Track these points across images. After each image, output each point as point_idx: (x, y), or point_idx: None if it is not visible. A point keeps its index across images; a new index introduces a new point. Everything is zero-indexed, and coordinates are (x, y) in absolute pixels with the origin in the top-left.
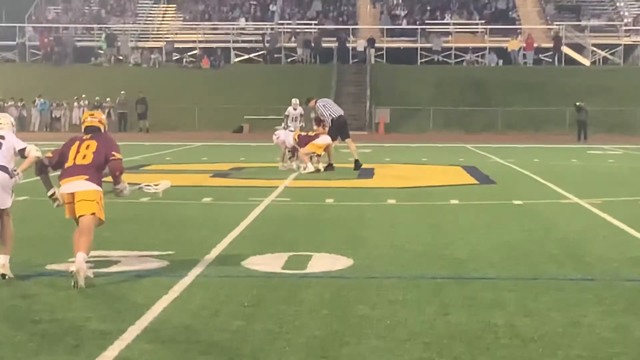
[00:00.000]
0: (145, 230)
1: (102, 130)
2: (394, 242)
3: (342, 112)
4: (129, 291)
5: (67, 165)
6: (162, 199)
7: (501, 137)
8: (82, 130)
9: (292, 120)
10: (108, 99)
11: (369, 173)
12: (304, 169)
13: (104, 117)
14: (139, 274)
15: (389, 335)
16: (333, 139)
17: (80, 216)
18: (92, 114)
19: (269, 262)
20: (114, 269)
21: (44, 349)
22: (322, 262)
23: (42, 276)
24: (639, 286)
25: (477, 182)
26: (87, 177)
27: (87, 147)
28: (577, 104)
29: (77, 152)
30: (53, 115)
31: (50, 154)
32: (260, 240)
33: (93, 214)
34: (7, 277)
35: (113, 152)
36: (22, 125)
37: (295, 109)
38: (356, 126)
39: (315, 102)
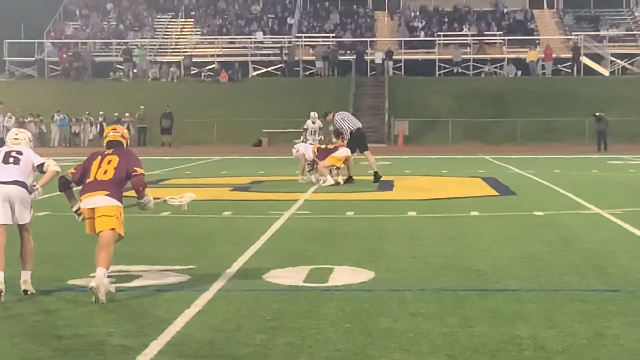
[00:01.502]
0: (166, 245)
1: (125, 144)
2: (415, 254)
3: (360, 125)
4: (151, 306)
5: (88, 180)
6: (183, 213)
7: (521, 149)
8: (104, 144)
9: (312, 134)
10: (127, 114)
11: (389, 185)
12: (324, 182)
13: (126, 131)
14: (160, 288)
15: (412, 348)
16: (352, 152)
17: (100, 232)
18: (115, 129)
19: (291, 276)
20: (135, 283)
21: None
22: (343, 275)
23: (64, 291)
24: None
25: (497, 193)
26: (107, 192)
27: (109, 162)
28: (597, 114)
29: (99, 167)
30: (72, 131)
31: (73, 170)
32: (281, 253)
33: (112, 229)
34: (29, 292)
35: (135, 168)
36: (41, 141)
37: (314, 122)
38: (375, 138)
39: (333, 115)
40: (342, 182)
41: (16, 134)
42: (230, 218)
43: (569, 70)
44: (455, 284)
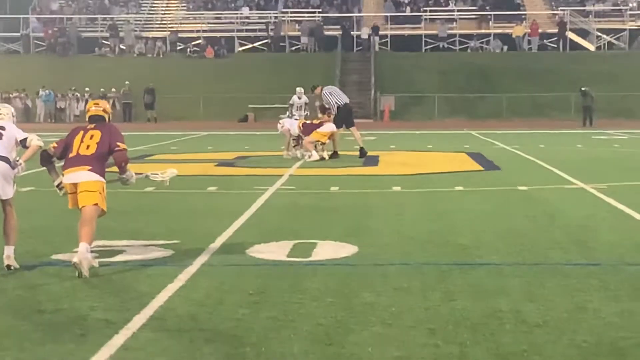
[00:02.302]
0: (150, 220)
1: (107, 119)
2: (399, 229)
3: (347, 100)
4: (134, 280)
5: (70, 155)
6: (167, 188)
7: (506, 124)
8: (87, 119)
9: (297, 109)
10: (113, 90)
11: (374, 160)
12: (309, 157)
13: (108, 106)
14: (144, 263)
15: (394, 322)
16: (338, 127)
17: (82, 207)
18: (97, 103)
19: (274, 251)
20: (118, 258)
21: (49, 338)
22: (327, 250)
23: (48, 266)
24: None
25: (482, 168)
26: (90, 167)
27: (91, 137)
28: (582, 89)
29: (81, 142)
30: (57, 106)
31: (55, 144)
32: (265, 228)
33: (95, 204)
34: (12, 267)
35: (117, 143)
36: (27, 117)
37: (300, 98)
38: (361, 114)
39: (321, 89)
40: (327, 158)
41: None
42: (214, 193)
43: (555, 46)
44: (438, 258)
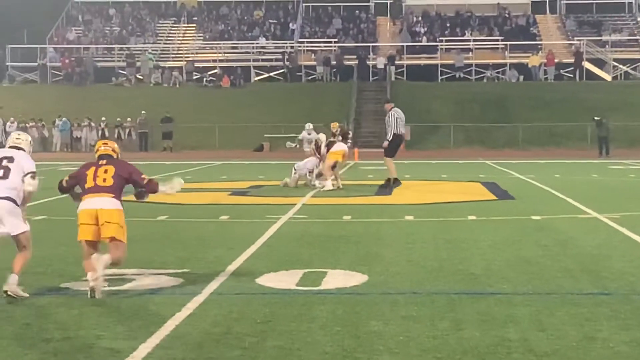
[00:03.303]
0: (160, 249)
1: (116, 157)
2: (410, 258)
3: (404, 132)
4: (142, 309)
5: (87, 185)
6: (179, 217)
7: (522, 153)
8: (96, 157)
9: (308, 143)
10: (129, 119)
11: (388, 190)
12: (323, 187)
13: (117, 146)
14: (153, 291)
15: (401, 351)
16: (390, 155)
17: (108, 238)
18: (106, 143)
19: (283, 279)
20: (128, 286)
21: None
22: (336, 279)
23: (57, 294)
24: None
25: (495, 197)
26: (112, 195)
27: (105, 171)
28: (596, 118)
29: (96, 175)
30: (74, 136)
31: (67, 179)
32: (276, 257)
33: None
34: (9, 293)
35: (142, 176)
36: (43, 146)
37: (309, 134)
38: (377, 143)
39: (392, 107)
40: (341, 187)
41: (18, 135)
42: (226, 222)
43: (572, 75)
44: (448, 287)
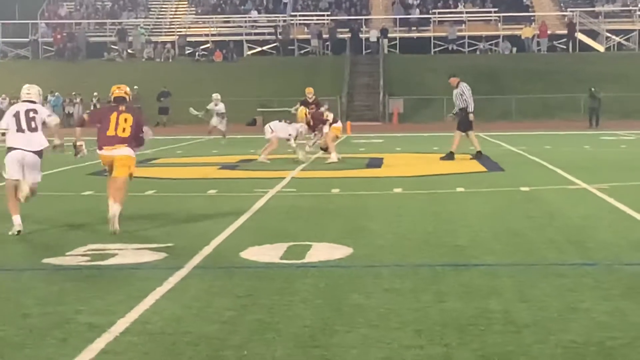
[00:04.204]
0: (145, 223)
1: (128, 99)
2: (396, 230)
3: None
4: (123, 284)
5: (108, 134)
6: (166, 191)
7: (516, 125)
8: (112, 100)
9: (216, 115)
10: None
11: (378, 163)
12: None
13: (128, 89)
14: (135, 266)
15: (380, 324)
16: (465, 130)
17: (116, 176)
18: (119, 87)
19: (267, 253)
20: (110, 261)
21: (29, 343)
22: (321, 252)
23: (38, 270)
24: (639, 270)
25: (485, 169)
26: (127, 144)
27: (125, 120)
28: (592, 89)
29: (117, 123)
30: (66, 111)
31: (87, 116)
32: (261, 231)
33: (129, 174)
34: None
35: (143, 128)
36: None
37: (216, 105)
38: (370, 117)
39: (459, 81)
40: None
41: (28, 89)
42: (214, 196)
43: (565, 47)
44: (433, 259)
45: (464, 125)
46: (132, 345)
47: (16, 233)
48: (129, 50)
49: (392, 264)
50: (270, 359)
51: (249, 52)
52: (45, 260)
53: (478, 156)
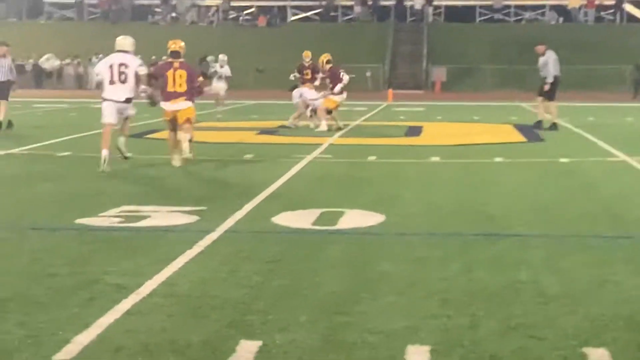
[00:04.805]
0: (181, 186)
1: (182, 54)
2: (430, 199)
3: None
4: (154, 246)
5: (168, 89)
6: (202, 155)
7: (559, 96)
8: (169, 54)
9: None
10: (164, 57)
11: (417, 131)
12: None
13: (183, 44)
14: (167, 229)
15: (406, 292)
16: (551, 98)
17: (182, 122)
18: (175, 42)
19: (300, 219)
20: (142, 223)
21: (56, 303)
22: (353, 219)
23: (70, 230)
24: None
25: (525, 140)
26: (185, 97)
27: (180, 76)
28: (639, 62)
29: (174, 80)
30: None
31: (150, 74)
32: (295, 197)
33: (189, 120)
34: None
35: (198, 79)
36: (79, 84)
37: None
38: (412, 85)
39: (547, 49)
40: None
41: (124, 38)
42: (250, 161)
43: (612, 18)
44: (464, 229)
45: (550, 93)
46: (157, 307)
47: (103, 162)
48: (173, 14)
49: (423, 233)
50: (294, 324)
51: (293, 18)
52: (78, 221)
53: (553, 126)
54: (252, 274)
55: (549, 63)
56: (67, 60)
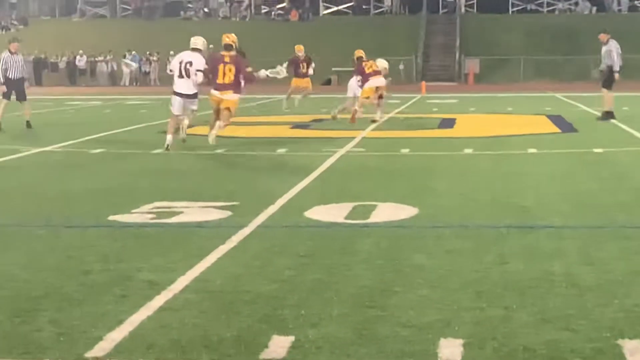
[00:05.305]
0: (212, 182)
1: (234, 46)
2: (463, 191)
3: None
4: (186, 242)
5: (218, 80)
6: (236, 149)
7: (593, 86)
8: (223, 46)
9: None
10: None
11: (450, 123)
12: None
13: (235, 37)
14: (199, 224)
15: (440, 285)
16: (609, 87)
17: (223, 109)
18: (228, 36)
19: (332, 212)
20: (175, 219)
21: (89, 299)
22: (386, 212)
23: (103, 227)
24: None
25: (559, 130)
26: (232, 90)
27: (230, 70)
28: None
29: (224, 73)
30: (143, 70)
31: (206, 71)
32: (328, 190)
33: (229, 109)
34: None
35: (248, 69)
36: (112, 80)
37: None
38: (446, 77)
39: (610, 38)
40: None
41: (196, 38)
42: (283, 155)
43: None
44: (497, 220)
45: (608, 82)
46: (189, 303)
47: (166, 147)
48: (205, 9)
49: (456, 225)
50: (327, 318)
51: (325, 12)
52: (111, 218)
53: (605, 116)
54: (285, 268)
55: (613, 51)
56: (101, 57)
